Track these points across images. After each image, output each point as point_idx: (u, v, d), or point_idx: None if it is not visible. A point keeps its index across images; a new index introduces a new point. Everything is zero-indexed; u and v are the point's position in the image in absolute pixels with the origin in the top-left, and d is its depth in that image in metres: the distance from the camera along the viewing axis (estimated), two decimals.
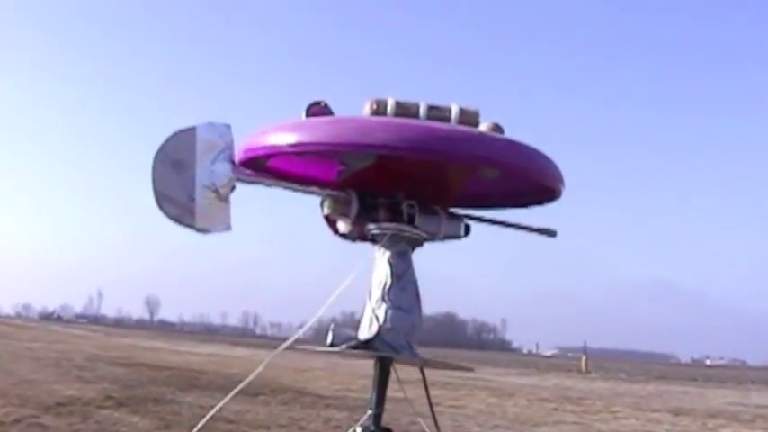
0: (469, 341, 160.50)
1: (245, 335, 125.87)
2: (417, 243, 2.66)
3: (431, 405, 2.98)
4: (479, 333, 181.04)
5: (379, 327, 2.51)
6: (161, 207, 2.35)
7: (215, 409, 2.79)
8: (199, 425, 2.80)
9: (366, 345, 2.52)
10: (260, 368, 2.73)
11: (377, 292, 2.55)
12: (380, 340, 2.51)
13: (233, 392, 2.73)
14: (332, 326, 2.54)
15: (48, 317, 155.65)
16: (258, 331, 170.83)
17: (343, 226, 2.67)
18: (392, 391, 2.72)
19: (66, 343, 30.35)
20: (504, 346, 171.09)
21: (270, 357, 2.82)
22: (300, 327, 2.76)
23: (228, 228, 2.43)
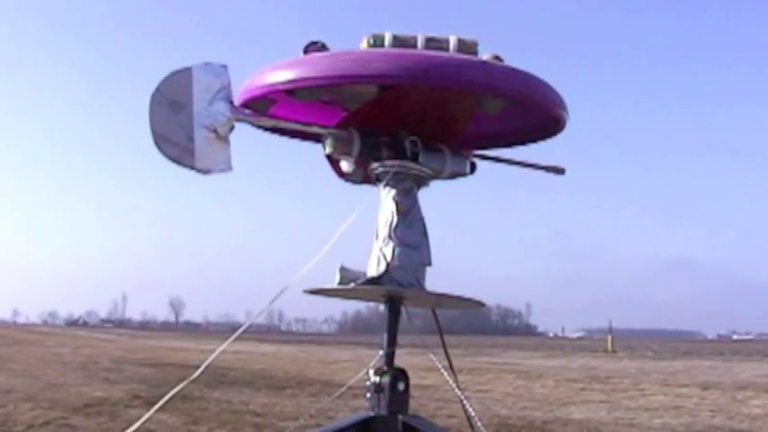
0: (495, 327, 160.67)
1: (270, 331, 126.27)
2: (422, 181, 2.62)
3: (445, 347, 2.94)
4: (504, 319, 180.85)
5: (387, 264, 2.48)
6: (159, 148, 2.33)
7: (146, 416, 2.71)
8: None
9: (374, 283, 2.49)
10: (241, 330, 2.74)
11: (383, 231, 2.51)
12: (389, 278, 2.47)
13: (194, 375, 2.68)
14: (339, 266, 2.52)
15: (73, 323, 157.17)
16: (284, 327, 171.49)
17: (346, 165, 2.64)
18: (418, 378, 2.68)
19: (92, 347, 30.60)
20: (529, 331, 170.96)
21: (258, 313, 2.83)
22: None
23: (229, 168, 2.41)
